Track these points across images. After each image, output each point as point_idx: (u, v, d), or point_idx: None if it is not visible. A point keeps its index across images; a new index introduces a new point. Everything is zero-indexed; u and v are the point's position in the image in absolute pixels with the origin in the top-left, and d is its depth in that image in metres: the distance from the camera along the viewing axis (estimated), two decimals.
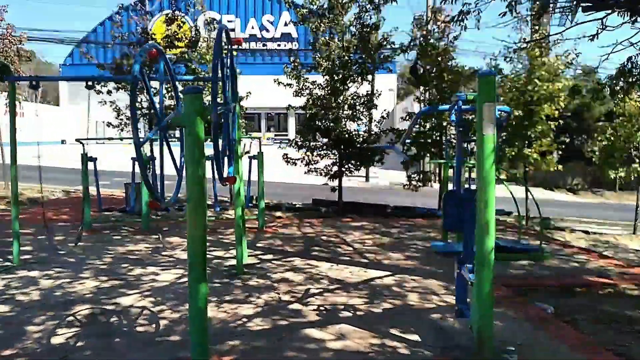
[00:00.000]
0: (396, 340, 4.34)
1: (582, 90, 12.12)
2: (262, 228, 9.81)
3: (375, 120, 13.75)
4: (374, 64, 12.78)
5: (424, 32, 13.57)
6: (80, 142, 9.79)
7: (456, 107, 4.04)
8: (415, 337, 4.41)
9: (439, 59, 13.13)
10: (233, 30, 37.70)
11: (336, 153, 12.66)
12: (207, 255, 7.34)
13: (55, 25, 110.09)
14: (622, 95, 10.07)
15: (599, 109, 22.25)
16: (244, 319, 4.84)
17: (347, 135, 12.50)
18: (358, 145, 12.57)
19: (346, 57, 12.12)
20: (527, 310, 5.27)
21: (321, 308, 5.18)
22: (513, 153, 12.74)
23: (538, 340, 4.44)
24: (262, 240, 8.74)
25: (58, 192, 15.00)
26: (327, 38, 12.45)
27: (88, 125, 36.75)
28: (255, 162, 10.24)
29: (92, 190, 10.14)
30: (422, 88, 13.85)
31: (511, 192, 7.80)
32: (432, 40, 13.32)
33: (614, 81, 8.04)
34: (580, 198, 23.11)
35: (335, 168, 12.75)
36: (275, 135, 35.66)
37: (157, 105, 3.89)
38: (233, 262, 7.05)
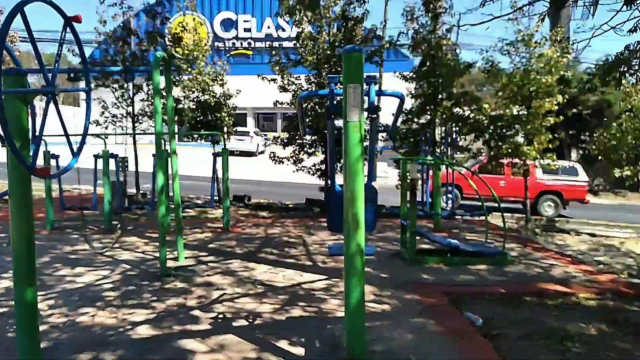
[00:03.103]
0: (277, 354, 3.87)
1: (572, 81, 11.26)
2: (226, 228, 9.45)
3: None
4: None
5: (415, 25, 12.94)
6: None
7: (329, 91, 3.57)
8: (299, 351, 3.94)
9: (431, 52, 12.53)
10: (249, 30, 37.66)
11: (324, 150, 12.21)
12: (148, 255, 7.05)
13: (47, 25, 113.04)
14: (616, 86, 9.31)
15: (621, 105, 20.97)
16: (131, 326, 4.46)
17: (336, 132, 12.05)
18: None
19: (328, 52, 11.65)
20: (452, 322, 4.71)
21: (220, 315, 4.76)
22: (509, 150, 12.04)
23: (438, 357, 3.89)
24: (218, 241, 8.39)
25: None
26: (314, 32, 12.04)
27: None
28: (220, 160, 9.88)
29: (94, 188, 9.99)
30: (414, 83, 13.24)
31: (491, 190, 7.20)
32: (424, 33, 12.70)
33: (608, 70, 7.39)
34: (600, 199, 21.83)
35: (324, 166, 12.29)
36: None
37: None
38: (170, 263, 6.74)
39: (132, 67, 11.57)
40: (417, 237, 7.24)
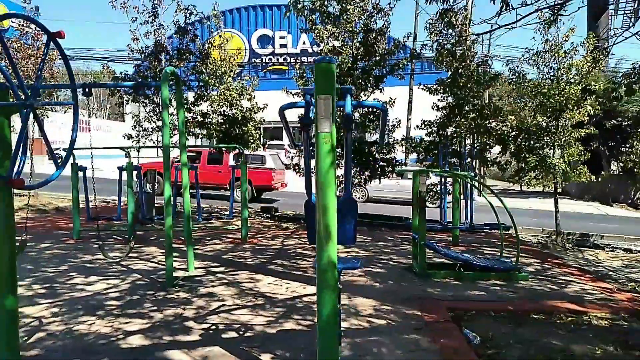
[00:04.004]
0: None
1: (595, 91, 10.80)
2: (244, 239, 9.52)
3: (387, 130, 13.08)
4: (383, 72, 12.16)
5: (438, 38, 12.78)
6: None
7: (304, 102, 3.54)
8: None
9: (456, 65, 12.34)
10: (285, 45, 38.18)
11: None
12: (161, 265, 7.16)
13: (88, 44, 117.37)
14: None
15: None
16: (123, 335, 4.53)
17: (357, 145, 12.02)
18: (371, 157, 12.07)
19: (349, 65, 11.65)
20: (449, 339, 4.55)
21: (213, 327, 4.77)
22: (535, 162, 11.65)
23: None
24: (233, 252, 8.45)
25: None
26: (336, 45, 12.08)
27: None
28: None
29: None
30: (439, 95, 13.05)
31: (503, 203, 6.96)
32: (448, 46, 12.53)
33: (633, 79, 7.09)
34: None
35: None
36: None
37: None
38: (180, 273, 6.86)
39: (143, 82, 11.91)
40: (431, 251, 7.07)
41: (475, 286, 6.37)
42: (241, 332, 4.63)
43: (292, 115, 3.76)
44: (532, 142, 11.89)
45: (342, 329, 4.59)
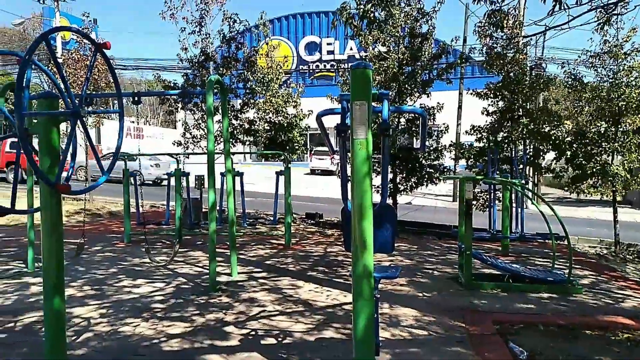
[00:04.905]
0: None
1: None
2: (288, 245, 9.55)
3: (434, 135, 12.80)
4: (429, 76, 11.94)
5: (489, 41, 12.43)
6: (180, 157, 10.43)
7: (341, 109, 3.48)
8: None
9: (506, 68, 11.98)
10: (333, 52, 38.34)
11: (390, 170, 12.03)
12: (206, 270, 7.29)
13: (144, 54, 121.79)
14: None
15: None
16: (166, 338, 4.61)
17: (402, 151, 11.86)
18: (417, 163, 11.87)
19: (395, 70, 11.52)
20: (493, 353, 4.36)
21: (252, 333, 4.78)
22: (594, 169, 11.10)
23: None
24: (276, 258, 8.49)
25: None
26: (382, 51, 11.99)
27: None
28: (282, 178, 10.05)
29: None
30: (489, 100, 12.68)
31: (555, 212, 6.65)
32: (498, 48, 12.18)
33: None
34: None
35: (390, 185, 12.11)
36: None
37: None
38: (224, 278, 6.96)
39: (189, 90, 12.19)
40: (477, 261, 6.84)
41: (524, 298, 6.09)
42: (280, 339, 4.61)
43: (332, 121, 3.72)
44: (589, 148, 11.34)
45: (381, 338, 4.50)
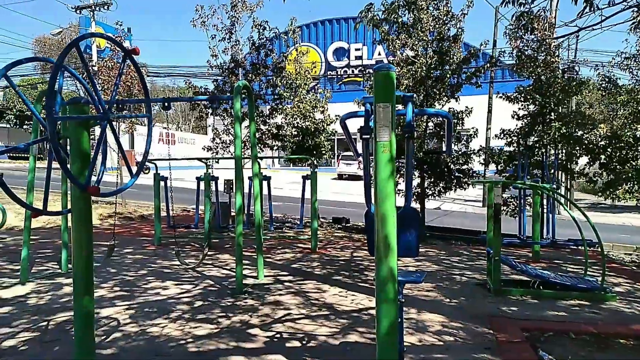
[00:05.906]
0: None
1: None
2: (314, 249, 9.57)
3: (463, 140, 12.63)
4: (458, 80, 11.81)
5: (518, 43, 12.21)
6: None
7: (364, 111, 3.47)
8: None
9: (537, 71, 11.76)
10: (360, 57, 38.35)
11: (417, 174, 11.92)
12: (234, 272, 7.37)
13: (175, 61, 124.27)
14: None
15: None
16: (192, 339, 4.68)
17: (430, 155, 11.74)
18: (445, 167, 11.74)
19: (423, 74, 11.43)
20: None
21: (277, 335, 4.80)
22: (630, 174, 10.80)
23: None
24: (302, 261, 8.52)
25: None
26: (410, 55, 11.93)
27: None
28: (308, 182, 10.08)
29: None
30: (520, 103, 12.45)
31: (587, 217, 6.47)
32: (528, 51, 11.97)
33: None
34: None
35: (418, 190, 12.01)
36: None
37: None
38: (250, 280, 7.03)
39: (217, 96, 12.34)
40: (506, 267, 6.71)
41: (554, 306, 5.94)
42: (304, 342, 4.62)
43: (357, 125, 3.73)
44: (624, 152, 11.03)
45: (407, 343, 4.46)
